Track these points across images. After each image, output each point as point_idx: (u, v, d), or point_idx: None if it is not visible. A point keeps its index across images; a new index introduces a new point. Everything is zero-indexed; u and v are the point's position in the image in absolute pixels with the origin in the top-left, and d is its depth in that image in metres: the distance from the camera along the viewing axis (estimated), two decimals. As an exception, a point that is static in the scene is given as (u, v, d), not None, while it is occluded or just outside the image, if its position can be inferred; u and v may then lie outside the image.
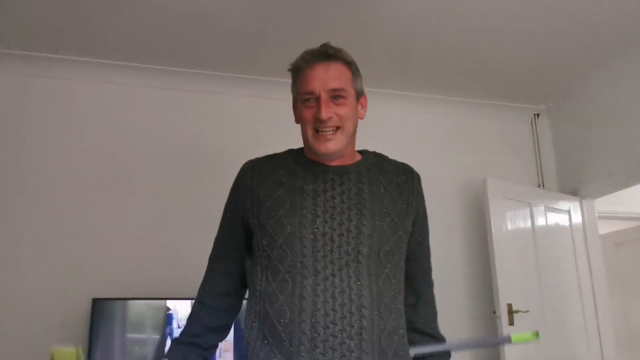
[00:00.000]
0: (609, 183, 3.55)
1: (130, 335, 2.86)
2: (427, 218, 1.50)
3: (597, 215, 3.80)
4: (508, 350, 3.05)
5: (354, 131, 1.39)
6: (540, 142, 4.02)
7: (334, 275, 1.25)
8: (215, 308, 1.43)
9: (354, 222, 1.29)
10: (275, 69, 3.10)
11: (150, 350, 2.85)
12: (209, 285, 1.45)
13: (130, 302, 2.90)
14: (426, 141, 3.79)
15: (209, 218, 3.15)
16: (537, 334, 1.50)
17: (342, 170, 1.37)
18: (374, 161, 1.44)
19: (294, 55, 1.41)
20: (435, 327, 1.50)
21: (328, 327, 1.21)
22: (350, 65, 1.39)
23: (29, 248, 3.03)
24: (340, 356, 1.20)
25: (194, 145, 3.41)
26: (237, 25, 2.99)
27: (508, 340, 1.43)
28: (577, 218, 3.72)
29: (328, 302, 1.23)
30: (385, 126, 3.64)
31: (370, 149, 1.49)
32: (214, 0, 2.76)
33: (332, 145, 1.33)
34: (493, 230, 3.25)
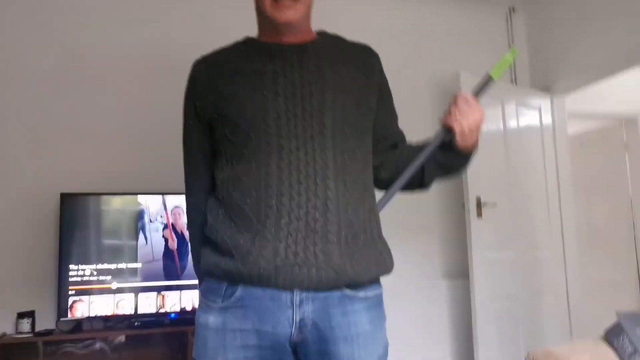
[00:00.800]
0: (580, 78, 3.56)
1: (102, 230, 2.85)
2: (392, 98, 1.47)
3: (567, 113, 3.84)
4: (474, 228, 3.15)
5: (311, 4, 1.33)
6: (514, 36, 3.97)
7: (298, 149, 1.22)
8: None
9: (316, 97, 1.25)
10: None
11: (122, 246, 2.86)
12: (191, 202, 1.44)
13: (101, 197, 2.87)
14: (399, 36, 3.70)
15: (178, 114, 3.13)
16: (514, 50, 1.43)
17: (300, 48, 1.31)
18: (332, 40, 1.40)
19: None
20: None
21: (293, 198, 1.20)
22: None
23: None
24: (305, 225, 1.19)
25: (163, 44, 3.27)
26: None
27: (489, 78, 1.35)
28: (547, 115, 3.76)
29: (292, 174, 1.21)
30: (357, 20, 3.52)
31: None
32: None
33: (292, 13, 1.27)
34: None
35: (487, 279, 3.17)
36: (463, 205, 3.30)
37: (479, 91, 1.36)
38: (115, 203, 2.90)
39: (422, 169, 1.39)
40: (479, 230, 3.19)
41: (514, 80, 3.92)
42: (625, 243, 4.58)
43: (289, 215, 1.20)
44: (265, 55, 1.31)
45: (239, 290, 1.23)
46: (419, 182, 1.43)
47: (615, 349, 2.10)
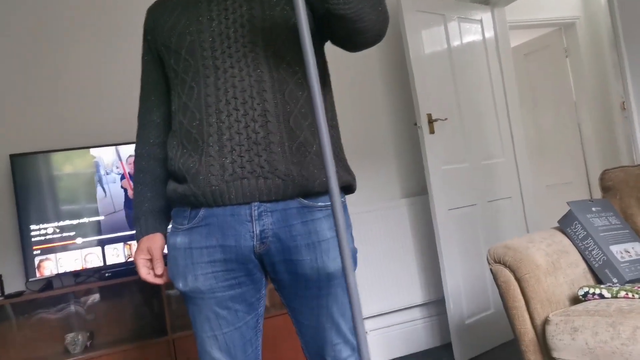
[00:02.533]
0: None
1: (58, 188, 2.81)
2: None
3: (508, 25, 3.89)
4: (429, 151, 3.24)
5: None
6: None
7: (232, 67, 1.26)
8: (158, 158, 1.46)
9: (246, 16, 1.28)
10: None
11: (82, 200, 2.83)
12: (140, 135, 1.48)
13: (52, 154, 2.82)
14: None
15: (125, 62, 3.06)
16: None
17: None
18: None
19: None
20: None
21: (231, 114, 1.24)
22: None
23: None
24: (247, 139, 1.23)
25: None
26: None
27: None
28: (489, 28, 3.80)
29: (229, 91, 1.25)
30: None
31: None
32: None
33: None
34: (409, 45, 3.28)
35: (444, 191, 3.28)
36: (415, 124, 3.37)
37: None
38: (69, 159, 2.85)
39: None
40: (432, 146, 3.27)
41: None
42: (572, 146, 4.77)
43: (229, 130, 1.24)
44: None
45: (202, 211, 1.28)
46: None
47: (569, 236, 2.23)
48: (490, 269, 2.17)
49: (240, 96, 1.25)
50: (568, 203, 2.28)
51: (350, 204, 1.36)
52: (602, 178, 2.55)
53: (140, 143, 1.47)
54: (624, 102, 4.48)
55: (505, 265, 2.10)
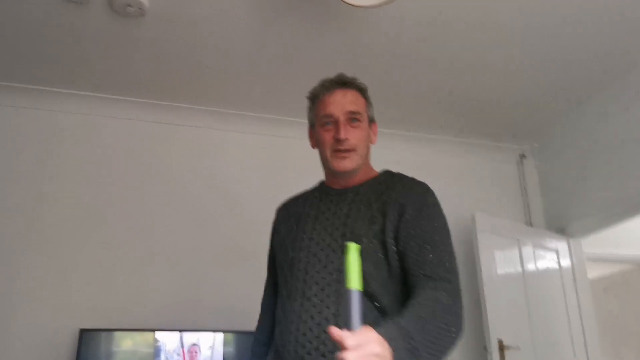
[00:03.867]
0: (595, 221, 3.59)
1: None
2: (429, 217, 1.36)
3: (585, 257, 3.83)
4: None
5: (367, 153, 1.49)
6: (526, 181, 4.10)
7: (316, 295, 1.30)
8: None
9: (339, 242, 1.33)
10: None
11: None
12: (255, 336, 1.58)
13: (118, 333, 2.87)
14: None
15: (196, 251, 3.22)
16: (351, 247, 1.02)
17: (342, 192, 1.44)
18: (383, 179, 1.46)
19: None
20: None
21: (304, 346, 1.26)
22: (365, 92, 1.51)
23: (23, 281, 3.01)
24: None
25: (186, 181, 3.46)
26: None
27: (348, 291, 0.97)
28: (565, 257, 3.75)
29: (307, 322, 1.28)
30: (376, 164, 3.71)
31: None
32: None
33: (348, 163, 1.42)
34: (482, 265, 3.27)
35: None
36: (485, 348, 3.20)
37: (350, 313, 0.97)
38: (133, 340, 2.89)
39: None
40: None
41: (529, 223, 3.98)
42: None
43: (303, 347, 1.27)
44: (316, 199, 1.47)
45: None
46: None
47: None
48: None
49: (315, 329, 1.26)
50: None
51: None
52: None
53: (256, 335, 1.56)
54: None
55: None
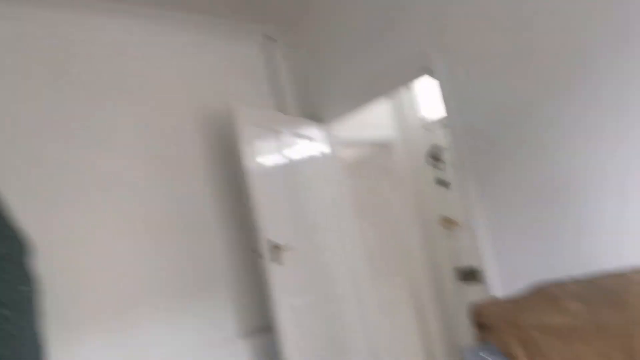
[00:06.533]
0: (341, 107, 3.54)
1: None
2: None
3: (337, 141, 3.76)
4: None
5: None
6: (277, 67, 3.77)
7: None
8: None
9: None
10: None
11: None
12: None
13: None
14: (162, 68, 3.19)
15: None
16: None
17: None
18: None
19: None
20: None
21: None
22: None
23: None
24: None
25: None
26: None
27: None
28: (321, 143, 3.62)
29: None
30: (112, 49, 2.95)
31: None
32: None
33: None
34: (245, 159, 2.89)
35: (294, 328, 2.82)
36: (253, 250, 2.91)
37: None
38: None
39: None
40: (278, 276, 2.83)
41: (283, 111, 3.71)
42: (397, 264, 4.71)
43: None
44: None
45: None
46: None
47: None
48: None
49: None
50: (464, 351, 1.97)
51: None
52: (478, 314, 2.32)
53: None
54: (444, 219, 4.59)
55: None
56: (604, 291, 2.02)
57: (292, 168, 3.25)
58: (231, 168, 3.19)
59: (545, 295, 2.17)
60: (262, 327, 3.13)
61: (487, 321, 2.30)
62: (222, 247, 3.15)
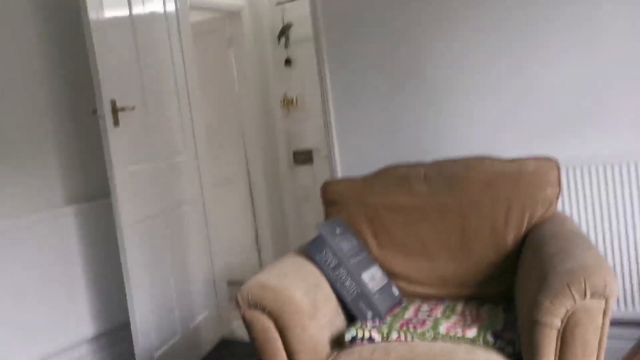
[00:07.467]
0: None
1: None
2: None
3: (188, 3, 3.43)
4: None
5: None
6: None
7: None
8: None
9: None
10: None
11: None
12: None
13: None
14: None
15: None
16: None
17: None
18: None
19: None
20: None
21: None
22: None
23: None
24: None
25: None
26: None
27: None
28: (170, 2, 3.27)
29: None
30: None
31: None
32: None
33: None
34: (89, 8, 2.51)
35: (131, 196, 2.65)
36: (93, 112, 2.61)
37: None
38: None
39: None
40: (117, 140, 2.59)
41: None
42: (235, 142, 4.62)
43: None
44: None
45: None
46: None
47: (319, 265, 1.95)
48: (243, 316, 1.72)
49: None
50: (319, 225, 2.00)
51: None
52: (326, 190, 2.37)
53: None
54: (285, 99, 4.56)
55: (264, 311, 1.69)
56: (447, 176, 2.16)
57: (137, 26, 2.89)
58: (71, 17, 2.76)
59: (394, 177, 2.27)
60: (94, 194, 2.90)
61: (337, 198, 2.37)
62: (54, 108, 2.78)
